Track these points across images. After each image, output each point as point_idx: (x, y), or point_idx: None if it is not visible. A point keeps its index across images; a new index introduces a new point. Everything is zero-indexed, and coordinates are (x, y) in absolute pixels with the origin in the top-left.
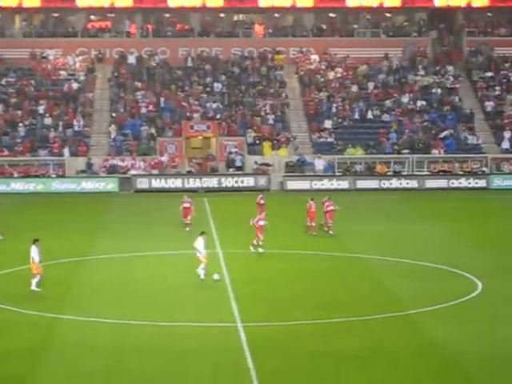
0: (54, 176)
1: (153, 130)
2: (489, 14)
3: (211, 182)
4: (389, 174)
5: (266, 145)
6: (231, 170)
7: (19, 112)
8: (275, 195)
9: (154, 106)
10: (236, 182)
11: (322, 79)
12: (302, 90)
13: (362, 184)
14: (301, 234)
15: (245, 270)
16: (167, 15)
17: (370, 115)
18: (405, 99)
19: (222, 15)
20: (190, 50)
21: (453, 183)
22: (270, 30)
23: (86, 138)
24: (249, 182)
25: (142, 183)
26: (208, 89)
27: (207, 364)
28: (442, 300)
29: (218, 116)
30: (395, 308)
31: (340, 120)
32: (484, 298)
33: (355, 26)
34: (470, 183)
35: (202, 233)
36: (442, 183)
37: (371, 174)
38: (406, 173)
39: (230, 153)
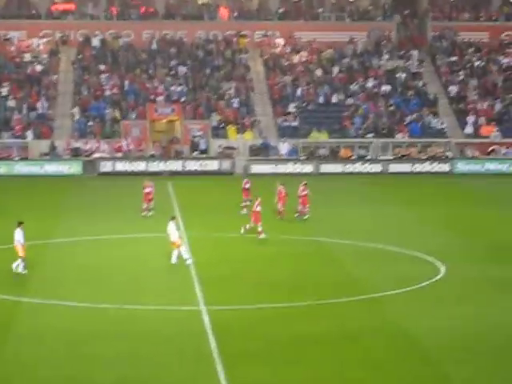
0: (17, 159)
1: (117, 113)
2: None
3: (175, 166)
4: (353, 158)
5: (231, 128)
6: (195, 153)
7: None
8: (239, 179)
9: (118, 89)
10: (200, 165)
11: (287, 63)
12: (266, 73)
13: (325, 168)
14: (264, 218)
15: (210, 253)
16: None
17: (334, 99)
18: (369, 83)
19: None
20: (155, 32)
21: (416, 168)
22: (236, 14)
23: (50, 121)
24: (213, 165)
25: (106, 166)
26: (172, 72)
27: (170, 347)
28: (406, 283)
29: (183, 99)
30: (359, 291)
31: (304, 104)
32: (446, 282)
33: (320, 10)
34: (433, 168)
35: (173, 217)
36: (405, 167)
37: (335, 158)
38: (369, 157)
39: (195, 136)
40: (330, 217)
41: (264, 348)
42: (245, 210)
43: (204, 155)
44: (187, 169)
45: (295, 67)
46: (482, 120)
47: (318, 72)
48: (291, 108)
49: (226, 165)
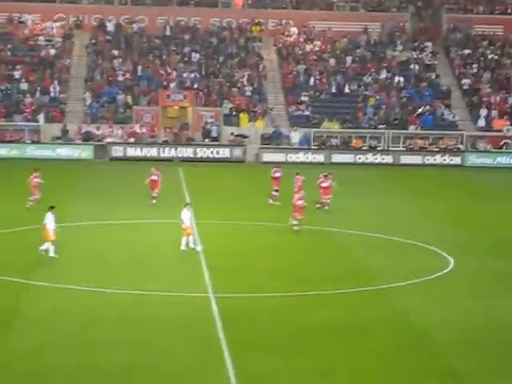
0: (29, 142)
1: (129, 99)
2: None
3: (186, 152)
4: (364, 148)
5: (243, 116)
6: (207, 140)
7: None
8: (250, 167)
9: (130, 75)
10: (211, 152)
11: (300, 52)
12: (279, 62)
13: (337, 158)
14: (275, 207)
15: (219, 240)
16: None
17: (347, 89)
18: (382, 74)
19: None
20: (169, 18)
21: (428, 159)
22: (250, 2)
23: (62, 105)
24: (224, 152)
25: (118, 151)
26: (186, 58)
27: (178, 333)
28: (415, 275)
29: (195, 86)
30: (368, 282)
31: (317, 93)
32: (456, 274)
33: (335, 0)
34: (444, 160)
35: (187, 204)
36: (417, 159)
37: (347, 148)
38: (381, 148)
39: (206, 123)
40: (341, 207)
41: (272, 337)
42: (272, 200)
43: (215, 142)
44: (198, 156)
45: (308, 56)
46: (495, 113)
47: (332, 62)
48: (303, 97)
49: (237, 152)
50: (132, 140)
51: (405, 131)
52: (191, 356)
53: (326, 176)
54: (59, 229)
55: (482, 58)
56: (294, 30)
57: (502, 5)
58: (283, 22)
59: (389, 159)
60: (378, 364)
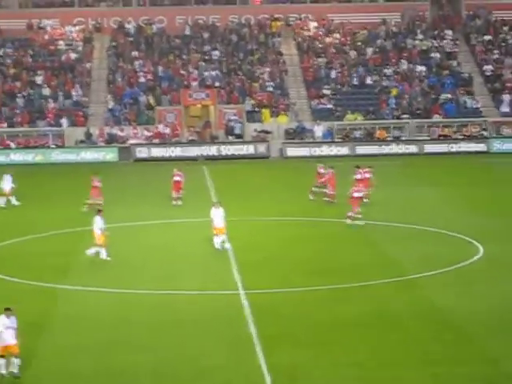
0: (53, 146)
1: (151, 99)
2: None
3: (211, 150)
4: (388, 139)
5: (265, 112)
6: (230, 137)
7: (17, 83)
8: (275, 162)
9: (152, 75)
10: (235, 149)
11: (320, 45)
12: (300, 56)
13: (361, 150)
14: (301, 201)
15: (247, 237)
16: None
17: (368, 81)
18: (403, 64)
19: None
20: (188, 18)
21: (452, 147)
22: None
23: (85, 108)
24: (248, 149)
25: (142, 152)
26: (206, 57)
27: (210, 331)
28: (444, 264)
29: (217, 84)
30: (396, 273)
31: (339, 86)
32: (485, 263)
33: None
34: (469, 147)
35: (217, 203)
36: (441, 148)
37: (371, 139)
38: (405, 138)
39: (229, 120)
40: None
41: (303, 331)
42: (312, 196)
43: (239, 139)
44: (223, 153)
45: (329, 49)
46: None
47: (352, 54)
48: (325, 90)
49: (261, 148)
50: (156, 141)
51: (428, 120)
52: (224, 352)
53: (368, 169)
54: (108, 232)
55: (503, 44)
56: (314, 23)
57: None
58: (302, 16)
59: (413, 149)
60: (409, 355)
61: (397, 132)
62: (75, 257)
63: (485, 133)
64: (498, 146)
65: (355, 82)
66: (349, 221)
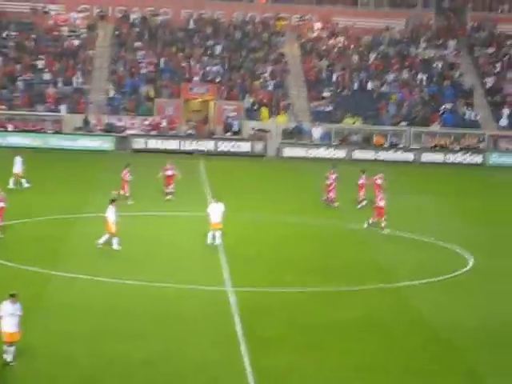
0: (50, 132)
1: (151, 91)
2: None
3: (208, 145)
4: (385, 146)
5: (264, 111)
6: (228, 134)
7: (18, 66)
8: (271, 161)
9: (153, 67)
10: (232, 146)
11: (324, 47)
12: (302, 57)
13: (358, 154)
14: (296, 201)
15: (240, 234)
16: None
17: (369, 86)
18: (405, 72)
19: None
20: (193, 11)
21: (449, 158)
22: None
23: (85, 96)
24: (245, 147)
25: (139, 143)
26: (209, 52)
27: (196, 326)
28: (434, 273)
29: (218, 80)
30: (386, 279)
31: (339, 89)
32: (475, 273)
33: None
34: (466, 159)
35: (213, 199)
36: (438, 158)
37: (368, 144)
38: (402, 145)
39: (228, 117)
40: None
41: (290, 332)
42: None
43: (237, 136)
44: (220, 149)
45: (331, 52)
46: None
47: (355, 58)
48: (326, 93)
49: (258, 147)
50: (154, 132)
51: (426, 129)
52: (210, 349)
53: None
54: (120, 220)
55: (505, 57)
56: (318, 25)
57: None
58: (307, 17)
59: (410, 157)
60: (393, 361)
61: (394, 139)
62: (68, 243)
63: (482, 145)
64: (494, 159)
65: (356, 86)
66: (365, 224)
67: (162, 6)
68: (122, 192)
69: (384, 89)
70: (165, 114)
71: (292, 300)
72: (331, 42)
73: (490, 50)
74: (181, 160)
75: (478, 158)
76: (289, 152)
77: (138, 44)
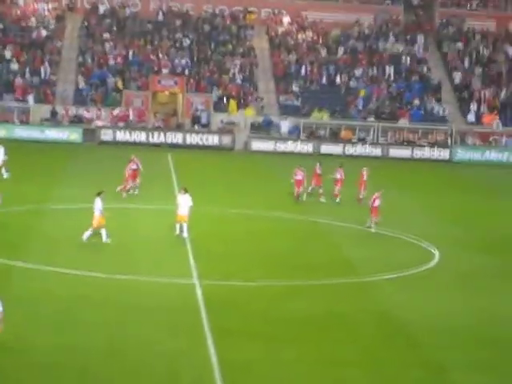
0: (17, 122)
1: (119, 83)
2: None
3: (176, 138)
4: (353, 140)
5: (232, 103)
6: (196, 126)
7: None
8: (239, 154)
9: (122, 59)
10: (201, 139)
11: (292, 42)
12: (271, 51)
13: (326, 149)
14: (264, 195)
15: (207, 228)
16: None
17: (338, 80)
18: (373, 66)
19: None
20: (162, 4)
21: (416, 153)
22: None
23: (52, 87)
24: (213, 140)
25: (107, 135)
26: (177, 44)
27: (162, 318)
28: (399, 268)
29: (186, 72)
30: (351, 274)
31: (308, 83)
32: (439, 269)
33: None
34: (433, 154)
35: (185, 190)
36: (405, 153)
37: (336, 139)
38: (370, 140)
39: (196, 109)
40: (328, 199)
41: (254, 325)
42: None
43: (205, 129)
44: (188, 142)
45: (300, 46)
46: (485, 108)
47: (323, 52)
48: (294, 87)
49: (226, 140)
50: (121, 124)
51: (394, 124)
52: (175, 341)
53: (342, 167)
54: (107, 213)
55: (474, 53)
56: (287, 19)
57: (495, 0)
58: (276, 10)
59: (378, 152)
60: (359, 355)
61: (362, 134)
62: (33, 234)
63: (449, 140)
64: (461, 154)
65: (324, 80)
66: (368, 225)
67: None
68: (123, 187)
69: (352, 83)
70: (133, 106)
71: (258, 293)
72: (300, 36)
73: (459, 46)
74: (149, 153)
75: (445, 154)
76: (257, 145)
77: (106, 36)
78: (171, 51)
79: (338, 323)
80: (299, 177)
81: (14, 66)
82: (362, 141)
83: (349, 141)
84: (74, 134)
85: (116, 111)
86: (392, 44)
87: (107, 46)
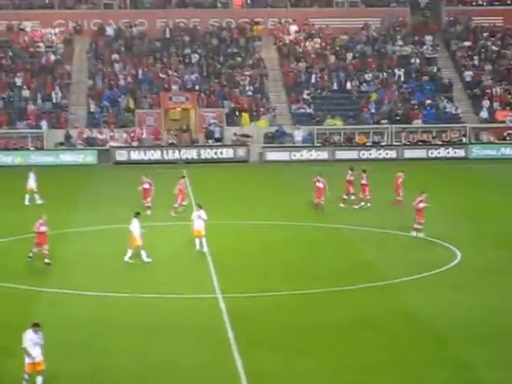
0: (32, 148)
1: (131, 102)
2: None
3: (190, 154)
4: (368, 144)
5: (245, 116)
6: (210, 141)
7: None
8: (254, 166)
9: (132, 78)
10: (215, 153)
11: (301, 50)
12: (280, 60)
13: (341, 155)
14: (280, 205)
15: (226, 241)
16: None
17: (348, 86)
18: (383, 69)
19: None
20: (168, 21)
21: (432, 153)
22: (249, 1)
23: (65, 111)
24: (228, 153)
25: (121, 155)
26: (186, 60)
27: (188, 334)
28: (422, 270)
29: (197, 87)
30: (375, 278)
31: (319, 91)
32: (462, 268)
33: None
34: (448, 153)
35: (199, 206)
36: (420, 153)
37: (350, 144)
38: (384, 143)
39: (209, 124)
40: (346, 204)
41: (280, 336)
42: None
43: (219, 143)
44: (202, 157)
45: (309, 54)
46: (497, 105)
47: (332, 58)
48: (305, 95)
49: (240, 152)
50: (135, 144)
51: (407, 125)
52: (202, 355)
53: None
54: (146, 232)
55: (482, 50)
56: (294, 28)
57: None
58: (282, 20)
59: (393, 154)
60: (387, 359)
61: (376, 137)
62: (53, 259)
63: (464, 139)
64: (477, 152)
65: (335, 86)
66: (413, 233)
67: (138, 17)
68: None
69: (363, 88)
70: (146, 124)
71: (282, 304)
72: (308, 43)
73: (467, 44)
74: (164, 170)
75: (460, 152)
76: (271, 156)
77: (114, 56)
78: (180, 67)
79: (365, 328)
80: (320, 185)
81: (26, 93)
82: (377, 144)
83: (363, 145)
84: (88, 156)
85: (128, 133)
86: (400, 46)
87: (116, 66)
